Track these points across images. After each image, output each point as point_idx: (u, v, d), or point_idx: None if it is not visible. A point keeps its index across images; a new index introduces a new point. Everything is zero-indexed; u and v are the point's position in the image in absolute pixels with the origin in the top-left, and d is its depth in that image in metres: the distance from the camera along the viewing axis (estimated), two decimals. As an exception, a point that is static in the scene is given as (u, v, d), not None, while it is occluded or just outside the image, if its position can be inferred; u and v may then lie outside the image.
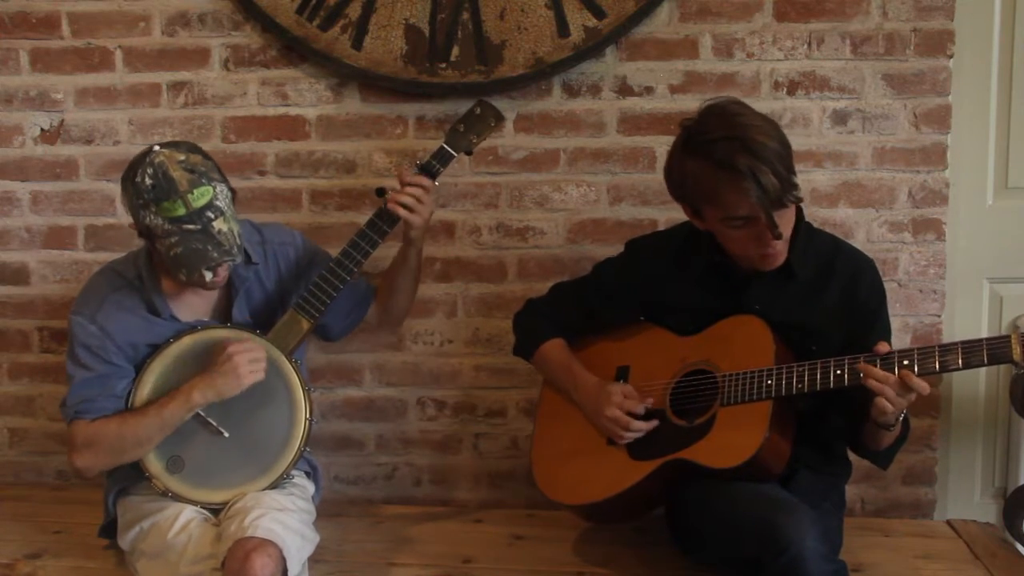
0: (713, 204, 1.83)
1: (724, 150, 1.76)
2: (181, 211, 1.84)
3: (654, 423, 2.00)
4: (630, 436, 1.99)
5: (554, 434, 2.15)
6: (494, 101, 2.27)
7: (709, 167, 1.79)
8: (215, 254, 1.87)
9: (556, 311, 2.19)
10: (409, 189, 2.06)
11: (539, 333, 2.19)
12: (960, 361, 1.72)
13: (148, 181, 1.84)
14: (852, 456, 2.07)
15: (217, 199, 1.87)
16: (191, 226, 1.84)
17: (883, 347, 1.80)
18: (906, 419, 1.92)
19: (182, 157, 1.87)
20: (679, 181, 1.89)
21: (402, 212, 2.04)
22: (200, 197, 1.85)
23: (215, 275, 1.92)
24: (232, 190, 1.94)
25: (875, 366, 1.77)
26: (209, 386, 1.93)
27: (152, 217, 1.85)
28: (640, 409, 2.00)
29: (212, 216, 1.86)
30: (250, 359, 1.94)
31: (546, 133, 2.47)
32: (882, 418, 1.79)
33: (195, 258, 1.86)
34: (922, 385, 1.73)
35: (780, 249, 1.87)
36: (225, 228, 1.87)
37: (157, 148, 1.88)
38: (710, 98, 1.91)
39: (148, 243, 1.94)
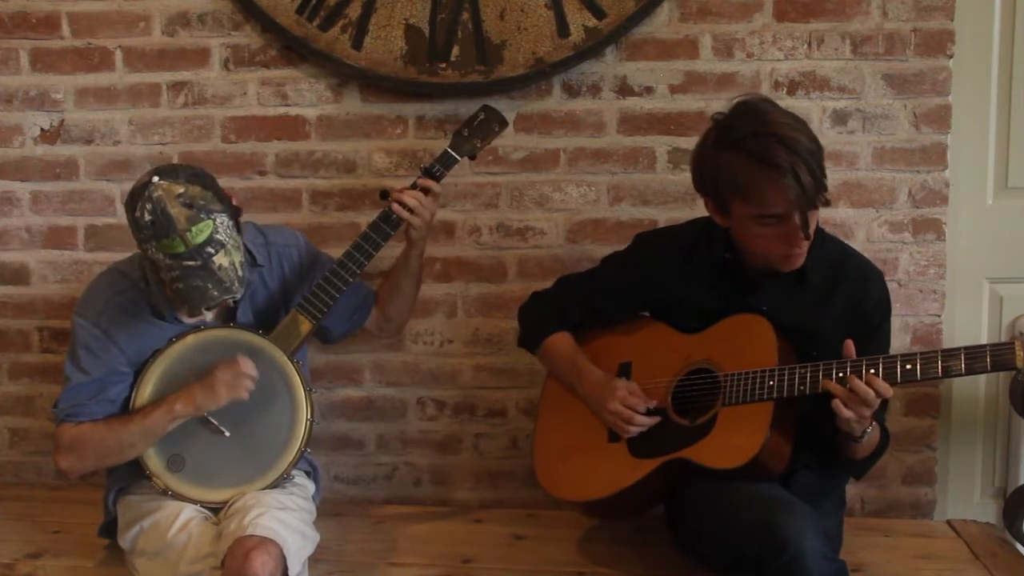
0: (747, 200, 1.80)
1: (763, 145, 1.75)
2: (180, 248, 1.82)
3: (657, 419, 1.99)
4: (633, 430, 1.99)
5: (556, 430, 2.15)
6: (494, 101, 2.27)
7: (747, 161, 1.77)
8: (215, 292, 1.86)
9: (561, 304, 2.19)
10: (413, 192, 2.06)
11: (544, 326, 2.19)
12: (963, 367, 1.72)
13: (147, 217, 1.82)
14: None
15: (217, 232, 1.85)
16: (191, 262, 1.83)
17: (849, 348, 1.80)
18: (885, 432, 1.93)
19: (181, 190, 1.83)
20: (711, 175, 1.86)
21: (404, 214, 2.05)
22: (199, 234, 1.83)
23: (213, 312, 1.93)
24: (237, 211, 1.93)
25: (877, 372, 1.76)
26: (190, 399, 1.94)
27: (153, 251, 1.85)
28: (642, 407, 1.99)
29: (212, 251, 1.84)
30: (232, 375, 1.93)
31: (546, 133, 2.47)
32: (845, 427, 1.80)
33: (196, 295, 1.86)
34: (865, 391, 1.73)
35: (804, 250, 1.85)
36: (226, 262, 1.86)
37: (156, 180, 1.84)
38: (742, 95, 1.89)
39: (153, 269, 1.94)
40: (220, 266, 1.85)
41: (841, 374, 1.80)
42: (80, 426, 1.96)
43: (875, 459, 1.96)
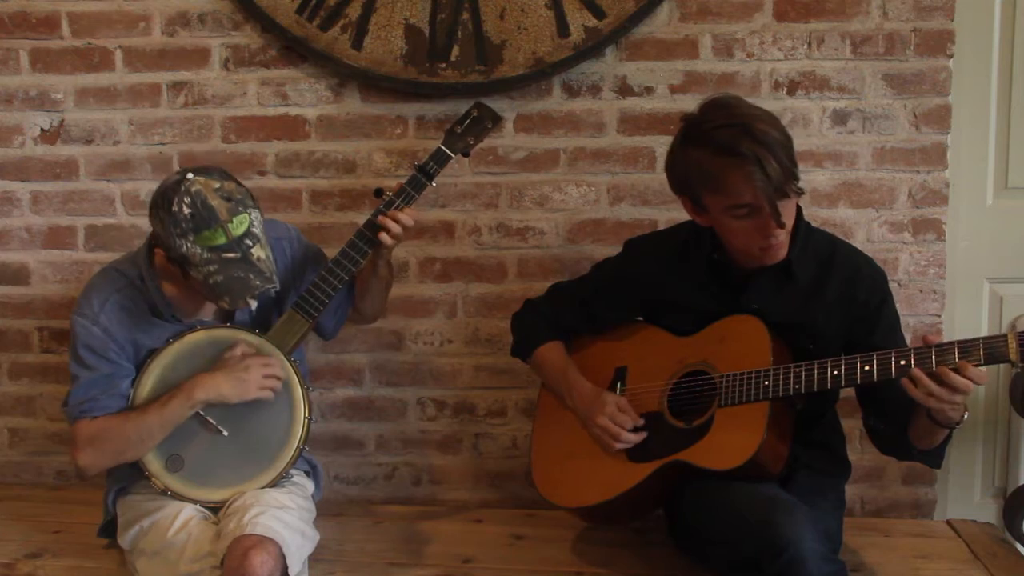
0: (717, 192, 1.81)
1: (727, 136, 1.76)
2: (222, 240, 1.83)
3: (643, 435, 1.99)
4: (619, 446, 2.00)
5: (553, 437, 2.15)
6: (494, 101, 2.28)
7: (712, 154, 1.78)
8: (257, 282, 1.87)
9: (554, 312, 2.19)
10: (403, 219, 2.05)
11: (536, 335, 2.19)
12: (956, 360, 1.72)
13: (187, 210, 1.83)
14: (851, 456, 2.07)
15: (253, 226, 1.87)
16: (231, 254, 1.84)
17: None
18: None
19: (217, 185, 1.86)
20: (682, 172, 1.87)
21: (388, 240, 2.05)
22: (239, 225, 1.85)
23: (257, 301, 1.93)
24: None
25: (871, 368, 1.76)
26: (213, 386, 1.94)
27: (189, 246, 1.84)
28: (630, 424, 2.00)
29: (251, 244, 1.86)
30: (267, 374, 1.96)
31: (546, 133, 2.47)
32: (947, 421, 1.76)
33: (238, 286, 1.86)
34: (964, 382, 1.68)
35: (782, 241, 1.85)
36: (263, 255, 1.88)
37: (191, 176, 1.86)
38: (711, 95, 1.90)
39: (179, 269, 1.92)
40: (258, 258, 1.87)
41: (836, 372, 1.80)
42: (96, 421, 1.96)
43: (949, 440, 1.90)
